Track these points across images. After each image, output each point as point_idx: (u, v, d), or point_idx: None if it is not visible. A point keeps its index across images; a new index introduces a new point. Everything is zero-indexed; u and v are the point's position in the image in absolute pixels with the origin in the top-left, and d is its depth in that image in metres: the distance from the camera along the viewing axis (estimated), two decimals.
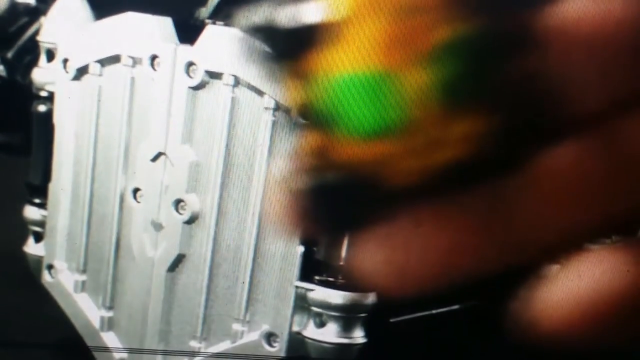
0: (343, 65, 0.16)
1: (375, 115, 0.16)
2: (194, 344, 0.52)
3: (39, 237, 0.59)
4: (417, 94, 0.16)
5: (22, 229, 0.60)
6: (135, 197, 0.53)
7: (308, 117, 0.17)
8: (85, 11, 0.57)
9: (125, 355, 0.56)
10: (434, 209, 0.18)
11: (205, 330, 0.52)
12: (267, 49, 0.16)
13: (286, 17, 0.16)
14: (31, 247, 0.60)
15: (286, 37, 0.16)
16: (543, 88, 0.17)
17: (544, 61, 0.17)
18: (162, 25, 0.51)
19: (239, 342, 0.50)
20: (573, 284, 0.18)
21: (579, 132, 0.18)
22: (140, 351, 0.55)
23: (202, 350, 0.52)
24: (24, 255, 0.60)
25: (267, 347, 0.49)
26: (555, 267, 0.18)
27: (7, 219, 0.62)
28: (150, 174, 0.52)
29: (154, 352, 0.54)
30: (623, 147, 0.18)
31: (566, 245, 0.18)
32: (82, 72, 0.55)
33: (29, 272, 0.60)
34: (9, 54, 0.64)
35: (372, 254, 0.18)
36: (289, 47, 0.16)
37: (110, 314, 0.56)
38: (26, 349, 0.62)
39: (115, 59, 0.53)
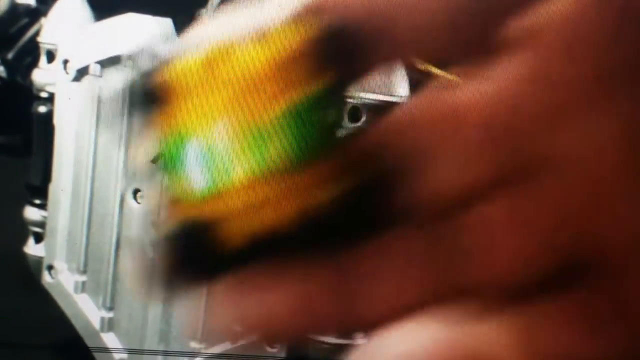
0: (183, 128, 0.17)
1: (211, 176, 0.17)
2: (194, 345, 0.52)
3: (39, 238, 0.59)
4: (250, 159, 0.17)
5: (22, 230, 0.60)
6: (135, 198, 0.53)
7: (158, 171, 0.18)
8: (86, 12, 0.57)
9: (125, 356, 0.56)
10: (278, 269, 0.19)
11: (206, 331, 0.52)
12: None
13: (141, 75, 0.17)
14: (31, 248, 0.60)
15: (141, 94, 0.17)
16: (380, 168, 0.18)
17: (384, 142, 0.19)
18: (162, 26, 0.51)
19: (240, 342, 0.51)
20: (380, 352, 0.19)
21: (418, 216, 0.19)
22: (140, 352, 0.55)
23: (203, 350, 0.52)
24: (24, 256, 0.60)
25: (267, 347, 0.49)
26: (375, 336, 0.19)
27: (7, 219, 0.63)
28: (150, 175, 0.52)
29: (154, 352, 0.54)
30: (452, 239, 0.19)
31: (395, 316, 0.19)
32: (82, 73, 0.55)
33: (29, 272, 0.60)
34: (10, 55, 0.64)
35: (224, 309, 0.19)
36: (143, 104, 0.17)
37: (110, 314, 0.56)
38: (26, 349, 0.62)
39: (115, 60, 0.53)
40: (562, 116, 0.19)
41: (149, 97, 0.17)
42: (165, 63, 0.17)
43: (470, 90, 0.19)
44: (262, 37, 0.17)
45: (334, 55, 0.17)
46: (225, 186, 0.17)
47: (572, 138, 0.18)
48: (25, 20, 0.64)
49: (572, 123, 0.19)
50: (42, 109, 0.57)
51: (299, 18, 0.17)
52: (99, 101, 0.54)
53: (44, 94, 0.57)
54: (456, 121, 0.19)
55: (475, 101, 0.19)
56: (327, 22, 0.17)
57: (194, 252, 0.18)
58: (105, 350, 0.56)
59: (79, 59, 0.54)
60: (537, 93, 0.19)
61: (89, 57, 0.54)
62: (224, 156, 0.17)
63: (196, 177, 0.17)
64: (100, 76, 0.54)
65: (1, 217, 0.65)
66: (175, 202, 0.18)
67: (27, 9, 0.64)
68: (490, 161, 0.19)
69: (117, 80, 0.53)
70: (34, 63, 0.59)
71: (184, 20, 0.53)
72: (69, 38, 0.55)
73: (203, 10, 0.55)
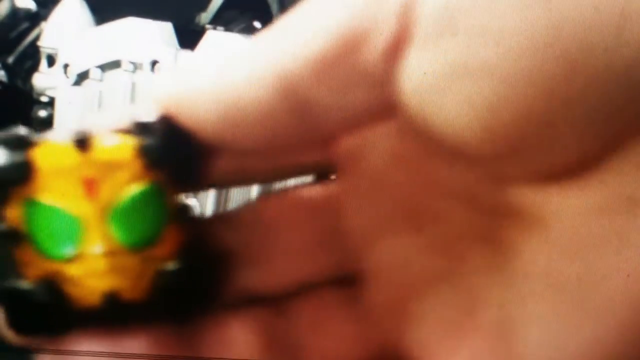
0: (44, 198, 0.20)
1: (59, 243, 0.20)
2: None
3: None
4: (96, 233, 0.20)
5: None
6: None
7: (21, 232, 0.21)
8: (86, 16, 0.57)
9: None
10: (122, 331, 0.22)
11: None
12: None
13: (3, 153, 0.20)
14: None
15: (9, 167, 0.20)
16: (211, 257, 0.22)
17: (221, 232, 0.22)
18: (162, 31, 0.51)
19: None
20: None
21: (257, 298, 0.22)
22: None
23: None
24: None
25: None
26: None
27: None
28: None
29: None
30: (286, 321, 0.22)
31: None
32: (82, 77, 0.55)
33: None
34: (10, 59, 0.64)
35: None
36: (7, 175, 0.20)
37: None
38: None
39: (115, 64, 0.53)
40: (374, 232, 0.22)
41: (15, 169, 0.20)
42: (32, 144, 0.20)
43: (305, 195, 0.23)
44: (102, 138, 0.20)
45: (164, 160, 0.21)
46: (79, 253, 0.20)
47: (381, 251, 0.22)
48: (25, 25, 0.64)
49: (384, 239, 0.22)
50: (43, 113, 0.57)
51: (135, 126, 0.21)
52: (100, 105, 0.54)
53: (44, 98, 0.57)
54: (292, 221, 0.23)
55: (310, 205, 0.23)
56: (160, 128, 0.21)
57: (47, 307, 0.21)
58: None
59: (79, 63, 0.54)
60: (357, 207, 0.22)
61: (90, 62, 0.54)
62: (80, 227, 0.20)
63: (54, 240, 0.20)
64: (101, 80, 0.54)
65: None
66: (34, 259, 0.21)
67: (28, 13, 0.64)
68: (318, 259, 0.22)
69: (118, 84, 0.53)
70: (35, 67, 0.59)
71: (184, 24, 0.53)
72: (69, 42, 0.55)
73: (203, 15, 0.55)
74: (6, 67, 0.64)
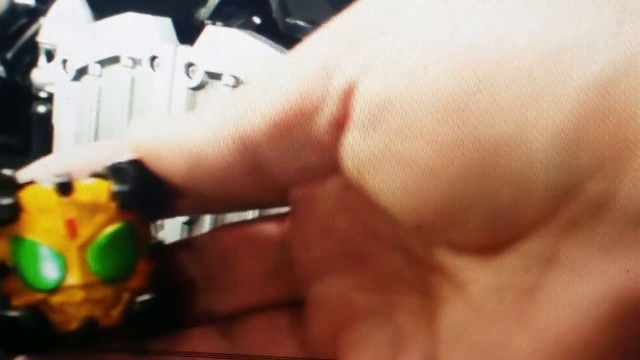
0: (30, 235, 0.23)
1: (43, 275, 0.23)
2: None
3: None
4: (76, 267, 0.23)
5: None
6: None
7: (7, 265, 0.23)
8: (85, 12, 0.57)
9: None
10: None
11: None
12: None
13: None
14: None
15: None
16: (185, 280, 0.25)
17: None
18: (161, 26, 0.51)
19: None
20: None
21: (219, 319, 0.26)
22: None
23: None
24: None
25: None
26: None
27: None
28: None
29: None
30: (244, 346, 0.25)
31: None
32: (81, 73, 0.54)
33: None
34: (9, 55, 0.64)
35: None
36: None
37: None
38: None
39: (114, 60, 0.53)
40: (318, 267, 0.25)
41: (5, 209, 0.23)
42: (19, 186, 0.23)
43: (261, 229, 0.26)
44: (77, 185, 0.23)
45: (135, 203, 0.23)
46: (61, 284, 0.23)
47: (323, 284, 0.25)
48: (24, 20, 0.64)
49: (326, 274, 0.25)
50: (42, 108, 0.57)
51: (109, 169, 0.23)
52: (99, 101, 0.54)
53: (43, 94, 0.57)
54: (249, 251, 0.26)
55: (265, 238, 0.26)
56: (132, 172, 0.23)
57: (32, 332, 0.23)
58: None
59: (78, 58, 0.54)
60: (305, 245, 0.25)
61: (89, 57, 0.54)
62: (61, 261, 0.23)
63: (39, 273, 0.23)
64: (100, 76, 0.54)
65: None
66: (21, 290, 0.23)
67: (26, 9, 0.64)
68: (271, 287, 0.25)
69: (117, 80, 0.53)
70: (33, 63, 0.59)
71: (183, 20, 0.53)
72: (68, 38, 0.55)
73: (202, 10, 0.55)
74: (5, 63, 0.64)
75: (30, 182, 0.23)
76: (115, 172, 0.23)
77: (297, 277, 0.25)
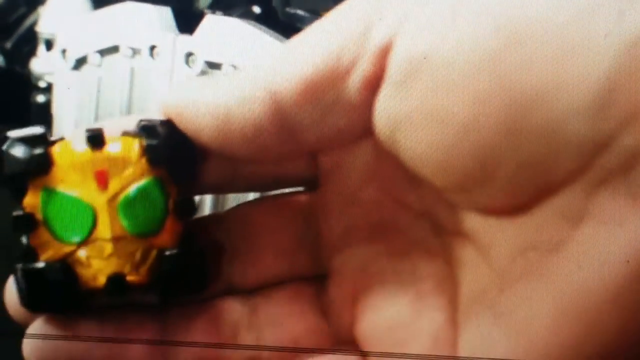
0: (61, 187, 0.23)
1: (72, 227, 0.23)
2: None
3: None
4: (105, 220, 0.23)
5: None
6: None
7: (41, 219, 0.23)
8: (84, 1, 0.56)
9: None
10: (117, 317, 0.25)
11: None
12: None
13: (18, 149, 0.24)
14: None
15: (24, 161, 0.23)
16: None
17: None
18: (161, 15, 0.51)
19: None
20: None
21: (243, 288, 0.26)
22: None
23: None
24: None
25: None
26: None
27: (5, 209, 0.62)
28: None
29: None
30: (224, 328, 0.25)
31: None
32: (81, 62, 0.54)
33: None
34: (8, 44, 0.64)
35: (53, 344, 0.24)
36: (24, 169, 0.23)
37: None
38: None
39: (114, 49, 0.53)
40: (344, 237, 0.26)
41: (36, 161, 0.23)
42: (51, 142, 0.23)
43: (289, 201, 0.26)
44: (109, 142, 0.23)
45: (165, 158, 0.23)
46: (89, 237, 0.23)
47: (347, 254, 0.26)
48: (23, 9, 0.63)
49: (351, 243, 0.25)
50: (41, 98, 0.57)
51: (141, 127, 0.24)
52: (98, 90, 0.54)
53: (42, 84, 0.57)
54: (276, 223, 0.26)
55: (293, 211, 0.26)
56: (163, 131, 0.23)
57: (59, 285, 0.23)
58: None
59: (77, 48, 0.54)
60: (333, 216, 0.25)
61: (88, 47, 0.54)
62: (91, 214, 0.23)
63: (68, 225, 0.23)
64: (100, 65, 0.54)
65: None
66: (49, 242, 0.23)
67: None
68: (296, 259, 0.26)
69: (116, 69, 0.53)
70: (33, 52, 0.59)
71: (183, 9, 0.53)
72: (67, 27, 0.55)
73: (202, 0, 0.55)
74: (4, 52, 0.64)
75: (61, 139, 0.24)
76: (145, 129, 0.23)
77: (322, 248, 0.25)
